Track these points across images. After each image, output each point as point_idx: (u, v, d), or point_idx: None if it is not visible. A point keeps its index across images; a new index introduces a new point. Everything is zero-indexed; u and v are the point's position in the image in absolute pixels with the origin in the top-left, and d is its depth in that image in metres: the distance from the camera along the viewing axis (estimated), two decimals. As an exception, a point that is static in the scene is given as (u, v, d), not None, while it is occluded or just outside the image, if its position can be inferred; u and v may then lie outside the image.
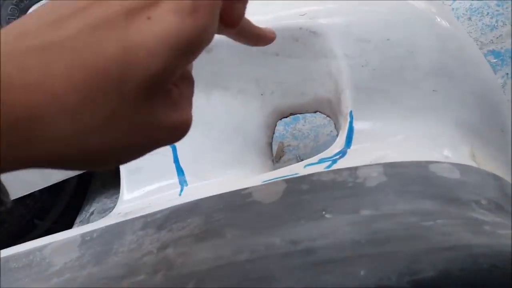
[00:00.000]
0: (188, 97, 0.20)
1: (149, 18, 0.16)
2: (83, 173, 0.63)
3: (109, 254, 0.32)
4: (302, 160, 1.18)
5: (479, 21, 1.21)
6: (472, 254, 0.24)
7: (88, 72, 0.15)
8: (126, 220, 0.34)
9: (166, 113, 0.18)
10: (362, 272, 0.24)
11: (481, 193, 0.32)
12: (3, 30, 0.15)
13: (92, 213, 0.52)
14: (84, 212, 0.54)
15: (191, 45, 0.17)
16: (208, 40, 0.18)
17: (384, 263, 0.24)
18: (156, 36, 0.16)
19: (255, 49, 0.32)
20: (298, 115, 1.33)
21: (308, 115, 1.32)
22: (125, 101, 0.16)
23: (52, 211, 0.62)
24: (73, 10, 0.16)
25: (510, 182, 0.37)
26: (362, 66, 0.35)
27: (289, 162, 1.16)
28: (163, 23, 0.16)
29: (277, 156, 1.26)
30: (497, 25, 1.18)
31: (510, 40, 1.16)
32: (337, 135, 0.38)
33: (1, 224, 0.59)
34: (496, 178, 0.35)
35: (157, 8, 0.16)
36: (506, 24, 1.17)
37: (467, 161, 0.35)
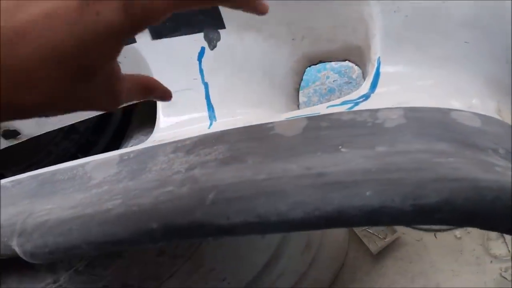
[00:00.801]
0: (113, 78, 0.23)
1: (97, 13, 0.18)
2: (124, 114, 0.68)
3: (143, 172, 0.36)
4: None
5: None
6: (478, 187, 0.25)
7: (43, 55, 0.18)
8: (160, 144, 0.37)
9: (97, 89, 0.22)
10: (368, 193, 0.26)
11: (499, 143, 0.32)
12: None
13: (129, 148, 0.57)
14: (123, 148, 0.59)
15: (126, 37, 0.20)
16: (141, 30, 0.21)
17: (390, 187, 0.26)
18: (99, 31, 0.19)
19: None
20: (334, 87, 1.31)
21: (344, 87, 1.31)
22: (67, 79, 0.19)
23: (96, 147, 0.67)
24: None
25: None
26: (394, 12, 0.35)
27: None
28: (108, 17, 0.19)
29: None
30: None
31: None
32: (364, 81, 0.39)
33: (48, 155, 0.66)
34: (519, 132, 0.35)
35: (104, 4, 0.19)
36: None
37: (491, 113, 0.36)
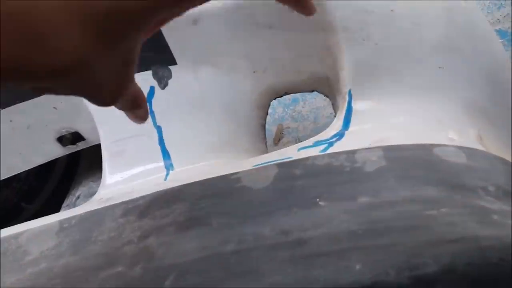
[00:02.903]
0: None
1: None
2: (71, 156, 0.61)
3: (87, 243, 0.30)
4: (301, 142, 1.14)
5: (486, -1, 1.16)
6: (480, 247, 0.22)
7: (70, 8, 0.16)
8: (107, 206, 0.32)
9: (113, 63, 0.19)
10: (357, 267, 0.22)
11: (488, 179, 0.29)
12: None
13: (78, 197, 0.50)
14: (70, 196, 0.52)
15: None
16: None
17: (381, 257, 0.22)
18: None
19: (246, 21, 0.29)
20: (297, 96, 1.29)
21: (308, 96, 1.29)
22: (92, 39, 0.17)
23: (40, 194, 0.60)
24: None
25: (519, 167, 0.34)
26: (363, 40, 0.32)
27: (288, 145, 1.14)
28: None
29: (276, 138, 1.24)
30: (504, 3, 1.13)
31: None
32: (335, 116, 0.35)
33: (-14, 207, 0.57)
34: (504, 162, 0.33)
35: None
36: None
37: (474, 144, 0.33)
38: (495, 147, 0.35)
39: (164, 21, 0.24)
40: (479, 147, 0.33)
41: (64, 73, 0.17)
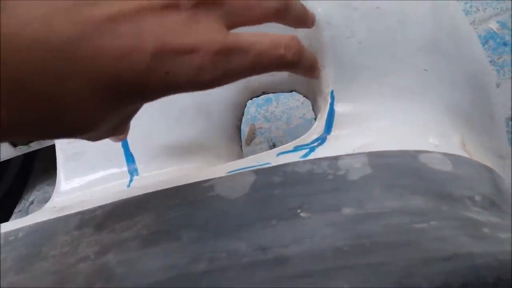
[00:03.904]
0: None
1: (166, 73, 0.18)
2: (26, 157, 0.55)
3: (36, 259, 0.26)
4: (273, 143, 1.12)
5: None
6: (475, 266, 0.20)
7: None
8: (59, 217, 0.28)
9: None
10: (345, 289, 0.19)
11: (474, 188, 0.28)
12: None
13: (32, 202, 0.45)
14: (23, 201, 0.47)
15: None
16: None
17: (371, 277, 0.20)
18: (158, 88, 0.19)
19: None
20: (270, 96, 1.28)
21: (281, 96, 1.28)
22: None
23: (-10, 198, 0.54)
24: None
25: (501, 173, 0.34)
26: (347, 37, 0.30)
27: (260, 145, 1.12)
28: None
29: (248, 139, 1.22)
30: (471, 11, 1.16)
31: (481, 27, 1.14)
32: (314, 119, 0.33)
33: None
34: (488, 170, 0.32)
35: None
36: (479, 11, 1.15)
37: (458, 150, 0.32)
38: (477, 153, 0.34)
39: None
40: (463, 153, 0.32)
41: (72, 135, 0.18)
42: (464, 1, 1.14)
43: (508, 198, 0.31)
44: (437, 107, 0.33)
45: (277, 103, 1.31)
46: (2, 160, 0.43)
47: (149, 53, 0.17)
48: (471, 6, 1.14)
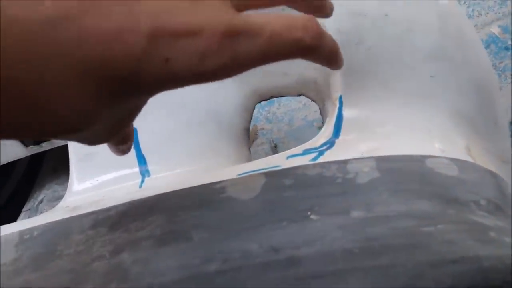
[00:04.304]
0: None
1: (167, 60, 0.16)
2: (34, 156, 0.56)
3: (51, 257, 0.27)
4: (275, 144, 1.13)
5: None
6: (482, 269, 0.21)
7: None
8: (74, 216, 0.28)
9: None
10: (355, 290, 0.20)
11: (479, 193, 0.29)
12: None
13: (41, 201, 0.45)
14: (32, 200, 0.47)
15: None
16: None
17: (381, 278, 0.21)
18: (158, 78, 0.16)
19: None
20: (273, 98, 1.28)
21: (283, 98, 1.28)
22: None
23: (-3, 196, 0.55)
24: None
25: (504, 178, 0.34)
26: (356, 44, 0.31)
27: (262, 146, 1.12)
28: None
29: (250, 139, 1.22)
30: (473, 15, 1.17)
31: (483, 31, 1.14)
32: (322, 122, 0.34)
33: None
34: (493, 175, 0.32)
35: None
36: (481, 15, 1.16)
37: (463, 155, 0.32)
38: (481, 158, 0.35)
39: None
40: (468, 158, 0.32)
41: (63, 134, 0.16)
42: (467, 5, 1.14)
43: (510, 202, 0.32)
44: (443, 113, 0.33)
45: (279, 105, 1.31)
46: (12, 160, 0.43)
47: (145, 35, 0.15)
48: (473, 10, 1.14)
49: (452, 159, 0.30)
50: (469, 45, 0.36)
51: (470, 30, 0.37)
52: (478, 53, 0.37)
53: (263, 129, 1.19)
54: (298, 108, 1.16)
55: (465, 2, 1.17)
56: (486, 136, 0.37)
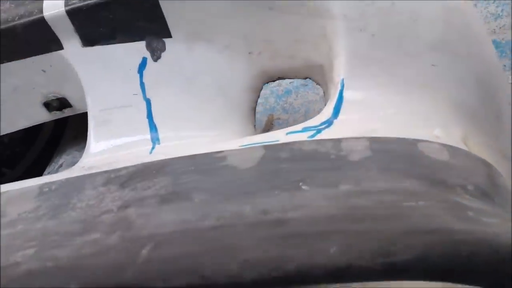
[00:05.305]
0: None
1: None
2: (57, 123, 0.60)
3: (66, 208, 0.30)
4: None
5: (484, 8, 1.16)
6: (452, 240, 0.22)
7: None
8: (88, 174, 0.31)
9: None
10: (332, 250, 0.22)
11: (468, 178, 0.30)
12: None
13: (61, 165, 0.49)
14: (53, 164, 0.51)
15: None
16: None
17: (357, 241, 0.22)
18: None
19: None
20: (290, 88, 1.28)
21: (300, 89, 1.29)
22: None
23: (23, 160, 0.59)
24: None
25: (504, 173, 0.35)
26: (360, 30, 0.32)
27: (276, 135, 1.13)
28: None
29: (265, 128, 1.24)
30: (502, 15, 1.14)
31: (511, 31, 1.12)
32: (325, 104, 0.35)
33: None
34: (485, 164, 0.33)
35: None
36: (510, 14, 1.13)
37: (458, 143, 0.33)
38: (479, 149, 0.36)
39: None
40: (463, 147, 0.33)
41: None
42: (496, 5, 1.12)
43: (506, 194, 0.33)
44: (442, 102, 0.35)
45: (297, 96, 1.32)
46: (36, 123, 0.47)
47: None
48: (502, 11, 1.12)
49: (444, 145, 0.31)
50: (475, 40, 0.37)
51: (478, 26, 0.37)
52: (485, 49, 0.38)
53: (279, 119, 1.21)
54: (315, 100, 1.17)
55: (494, 2, 1.15)
56: (486, 129, 0.38)
